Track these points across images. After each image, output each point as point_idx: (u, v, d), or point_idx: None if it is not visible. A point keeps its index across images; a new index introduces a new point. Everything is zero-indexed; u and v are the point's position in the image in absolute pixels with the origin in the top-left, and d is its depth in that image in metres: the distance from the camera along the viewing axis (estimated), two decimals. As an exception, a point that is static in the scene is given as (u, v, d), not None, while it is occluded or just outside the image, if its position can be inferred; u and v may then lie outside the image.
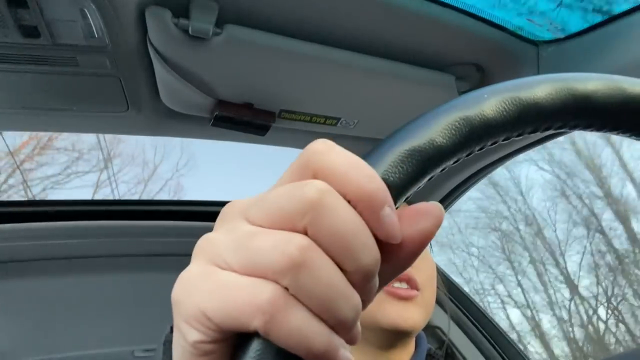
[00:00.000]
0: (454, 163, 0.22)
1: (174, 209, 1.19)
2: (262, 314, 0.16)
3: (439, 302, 1.22)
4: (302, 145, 1.01)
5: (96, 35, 0.64)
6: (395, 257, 0.19)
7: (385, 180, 0.20)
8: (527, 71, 0.77)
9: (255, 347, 0.17)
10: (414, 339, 0.63)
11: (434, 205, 0.19)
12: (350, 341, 0.18)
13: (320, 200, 0.17)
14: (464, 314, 1.19)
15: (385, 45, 0.74)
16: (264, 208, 0.18)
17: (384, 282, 0.19)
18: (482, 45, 0.75)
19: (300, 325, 0.16)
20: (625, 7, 0.63)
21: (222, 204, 1.23)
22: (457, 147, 0.21)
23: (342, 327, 0.17)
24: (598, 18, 0.67)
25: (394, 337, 0.58)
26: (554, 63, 0.74)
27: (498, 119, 0.22)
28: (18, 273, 1.10)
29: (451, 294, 1.23)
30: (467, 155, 0.22)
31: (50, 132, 0.88)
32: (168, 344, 0.22)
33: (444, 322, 1.20)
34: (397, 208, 0.21)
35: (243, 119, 0.80)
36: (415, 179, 0.20)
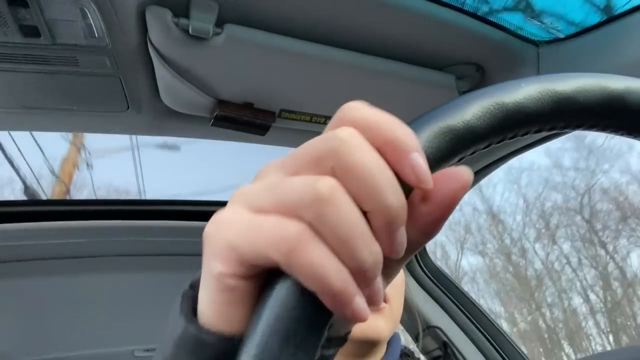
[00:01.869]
0: (484, 148, 0.22)
1: (175, 209, 1.19)
2: (285, 244, 0.17)
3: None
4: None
5: (96, 35, 0.64)
6: (422, 217, 0.19)
7: None
8: (527, 71, 0.77)
9: (280, 285, 0.18)
10: (384, 346, 0.65)
11: (462, 169, 0.19)
12: (371, 299, 0.19)
13: (349, 140, 0.18)
14: (464, 314, 1.19)
15: (385, 45, 0.74)
16: (297, 155, 0.19)
17: (410, 251, 0.20)
18: (482, 45, 0.75)
19: (320, 260, 0.17)
20: (625, 7, 0.63)
21: (224, 204, 1.23)
22: (490, 131, 0.21)
23: (361, 274, 0.18)
24: (598, 18, 0.67)
25: (364, 346, 0.61)
26: (554, 63, 0.74)
27: (533, 108, 0.22)
28: (18, 273, 1.10)
29: (451, 294, 1.23)
30: (498, 142, 0.22)
31: (51, 131, 0.88)
32: (186, 296, 0.23)
33: (444, 322, 1.20)
34: None
35: (243, 119, 0.80)
36: (445, 157, 0.20)
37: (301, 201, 0.17)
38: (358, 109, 0.20)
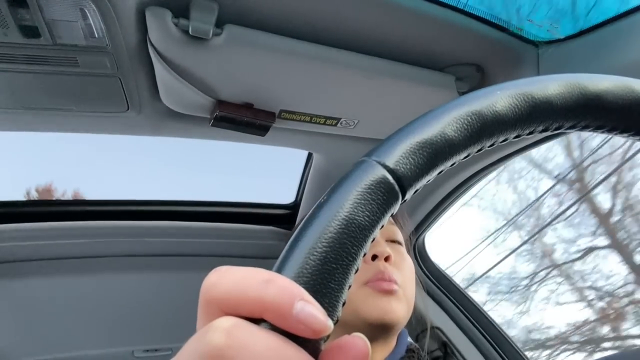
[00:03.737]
0: (464, 158, 0.22)
1: (175, 209, 1.19)
2: None
3: (432, 296, 1.22)
4: (302, 145, 1.02)
5: (96, 36, 0.64)
6: None
7: (395, 171, 0.20)
8: (527, 72, 0.77)
9: None
10: (396, 335, 0.66)
11: (357, 339, 0.17)
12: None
13: (226, 343, 0.15)
14: (464, 314, 1.19)
15: (385, 46, 0.74)
16: None
17: None
18: (482, 46, 0.75)
19: None
20: (625, 7, 0.63)
21: (224, 204, 1.23)
22: (468, 141, 0.21)
23: None
24: (598, 18, 0.67)
25: (378, 330, 0.62)
26: (554, 63, 0.74)
27: (510, 115, 0.22)
28: (18, 273, 1.10)
29: (450, 294, 1.23)
30: (478, 151, 0.22)
31: (50, 132, 0.88)
32: None
33: (444, 322, 1.20)
34: (406, 201, 0.20)
35: (243, 119, 0.80)
36: (425, 172, 0.20)
37: None
38: (217, 284, 0.17)
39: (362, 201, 0.19)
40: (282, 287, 0.16)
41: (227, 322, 0.16)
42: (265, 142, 0.94)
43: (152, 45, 0.66)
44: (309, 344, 0.17)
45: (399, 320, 0.62)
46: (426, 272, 1.28)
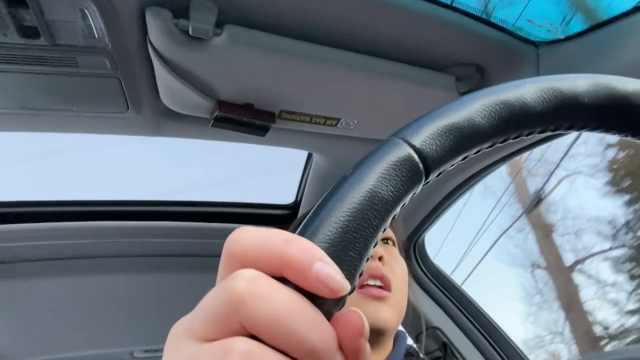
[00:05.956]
0: (488, 147, 0.22)
1: (174, 209, 1.19)
2: None
3: (429, 293, 1.22)
4: (302, 145, 1.02)
5: (96, 36, 0.64)
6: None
7: (421, 151, 0.20)
8: (527, 72, 0.77)
9: None
10: (391, 339, 0.66)
11: (352, 313, 0.18)
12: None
13: (247, 290, 0.16)
14: (464, 314, 1.19)
15: (385, 46, 0.74)
16: (200, 318, 0.17)
17: None
18: (482, 46, 0.75)
19: None
20: (625, 8, 0.63)
21: (224, 204, 1.23)
22: (495, 130, 0.21)
23: None
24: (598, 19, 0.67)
25: (370, 336, 0.61)
26: (554, 64, 0.74)
27: (538, 108, 0.22)
28: (18, 273, 1.10)
29: (450, 294, 1.23)
30: (502, 142, 0.22)
31: (50, 132, 0.88)
32: None
33: (444, 322, 1.20)
34: (428, 183, 0.21)
35: (243, 120, 0.80)
36: (450, 155, 0.20)
37: None
38: (240, 240, 0.18)
39: (387, 176, 0.19)
40: (303, 247, 0.17)
41: (250, 272, 0.17)
42: (265, 142, 0.94)
43: (152, 45, 0.66)
44: (324, 306, 0.17)
45: (389, 326, 0.62)
46: (426, 272, 1.28)
